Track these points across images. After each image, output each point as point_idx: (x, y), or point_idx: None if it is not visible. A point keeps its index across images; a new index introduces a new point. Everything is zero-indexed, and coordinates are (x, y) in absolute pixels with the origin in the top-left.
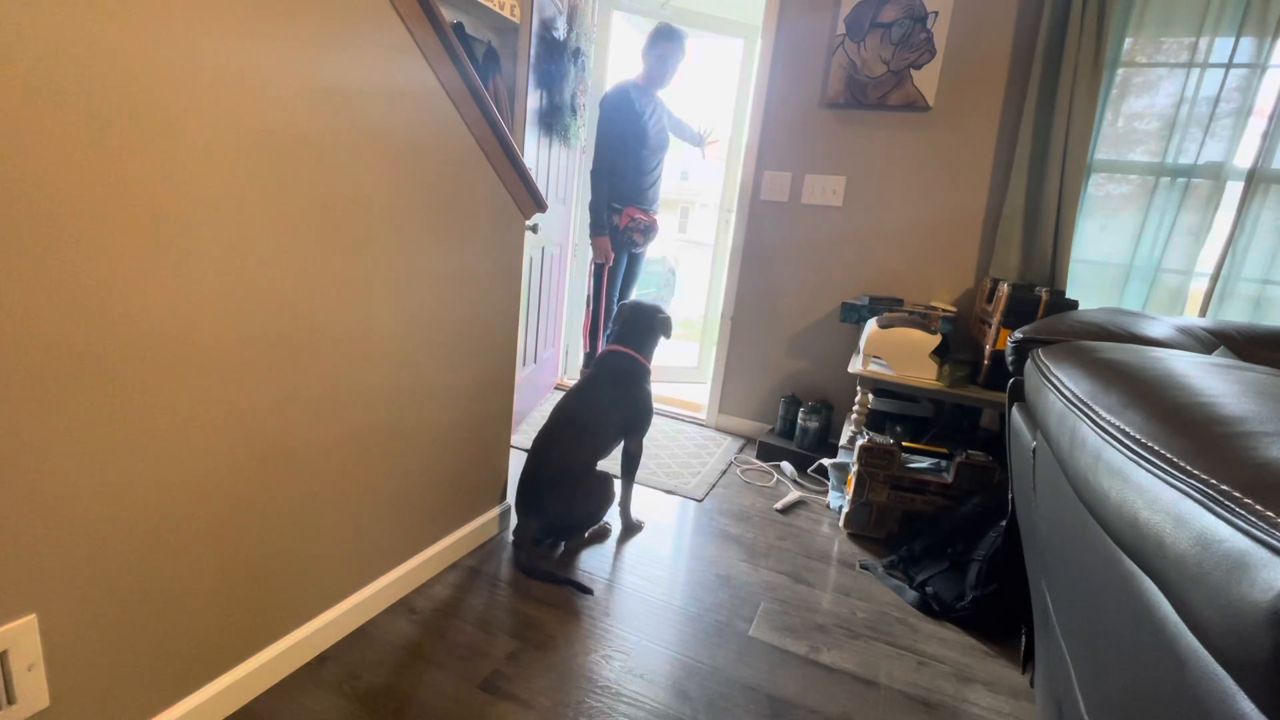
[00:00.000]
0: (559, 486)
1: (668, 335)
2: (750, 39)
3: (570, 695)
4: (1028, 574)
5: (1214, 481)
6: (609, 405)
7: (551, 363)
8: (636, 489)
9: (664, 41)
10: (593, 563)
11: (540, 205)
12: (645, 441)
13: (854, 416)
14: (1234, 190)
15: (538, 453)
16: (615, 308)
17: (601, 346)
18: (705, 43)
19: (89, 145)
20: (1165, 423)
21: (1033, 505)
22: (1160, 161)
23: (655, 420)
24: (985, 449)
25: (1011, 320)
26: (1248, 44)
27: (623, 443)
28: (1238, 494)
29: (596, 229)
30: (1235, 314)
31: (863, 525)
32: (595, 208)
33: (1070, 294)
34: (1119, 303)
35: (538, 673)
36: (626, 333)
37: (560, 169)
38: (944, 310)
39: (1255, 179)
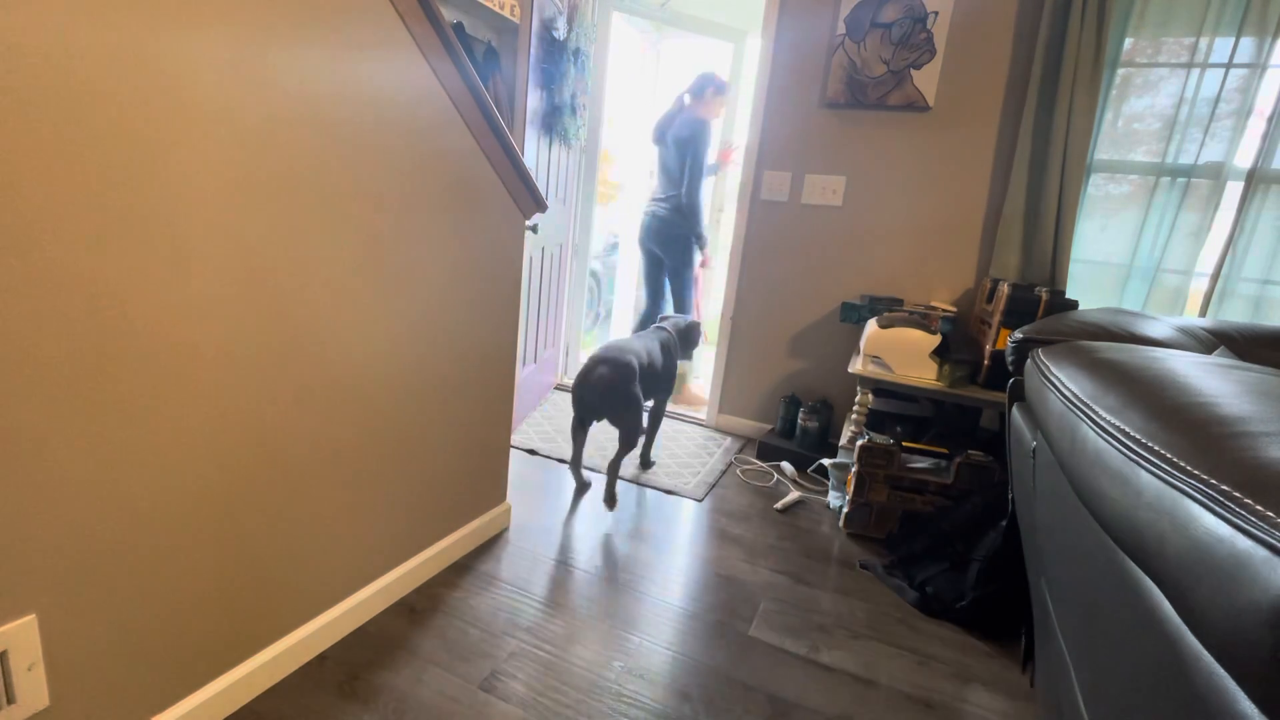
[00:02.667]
0: (613, 390)
1: (697, 345)
2: (739, 44)
3: (570, 695)
4: (1028, 574)
5: (1214, 481)
6: (661, 354)
7: (551, 362)
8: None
9: (724, 94)
10: (593, 562)
11: (540, 205)
12: None
13: (854, 416)
14: (1234, 190)
15: (600, 358)
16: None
17: None
18: (703, 44)
19: (89, 144)
20: (1165, 423)
21: (1033, 505)
22: (1160, 161)
23: None
24: (985, 449)
25: (1011, 320)
26: (1248, 44)
27: (651, 402)
28: (1238, 494)
29: (705, 240)
30: (1235, 314)
31: (863, 525)
32: (700, 220)
33: (1070, 294)
34: (1119, 303)
35: (538, 673)
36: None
37: (560, 169)
38: (944, 310)
39: (1255, 179)
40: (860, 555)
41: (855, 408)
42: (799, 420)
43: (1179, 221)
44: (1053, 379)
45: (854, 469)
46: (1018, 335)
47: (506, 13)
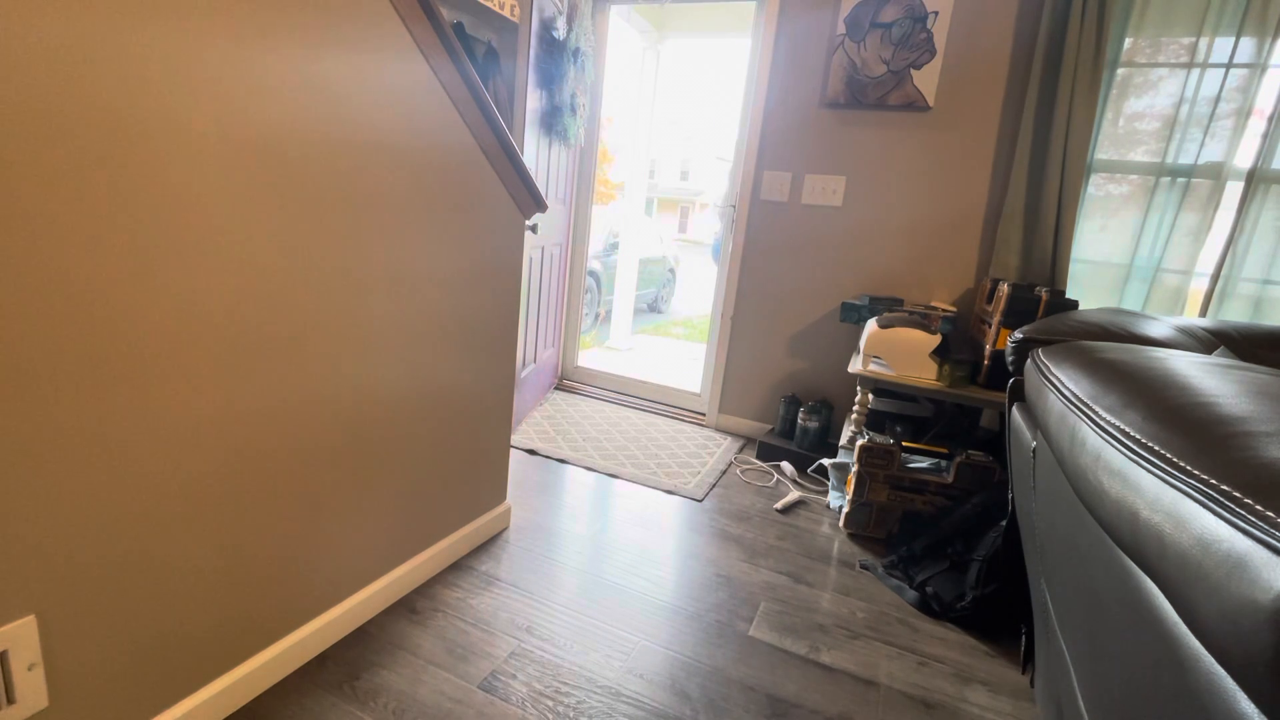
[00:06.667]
0: None
1: None
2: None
3: (570, 695)
4: (1028, 574)
5: (1214, 481)
6: None
7: (551, 362)
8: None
9: None
10: (592, 562)
11: (540, 205)
12: (645, 441)
13: (854, 416)
14: (1234, 190)
15: None
16: None
17: None
18: (704, 44)
19: (85, 144)
20: (1165, 423)
21: (1033, 505)
22: (1160, 161)
23: (655, 420)
24: (985, 449)
25: (1011, 320)
26: (1248, 44)
27: None
28: (1238, 494)
29: None
30: (1235, 314)
31: (863, 525)
32: None
33: (1070, 294)
34: (1119, 303)
35: (538, 673)
36: None
37: (560, 169)
38: (944, 310)
39: (1255, 179)
40: (860, 555)
41: (855, 408)
42: (799, 420)
43: (1179, 221)
44: (1053, 379)
45: (854, 469)
46: (1018, 335)
47: (506, 13)
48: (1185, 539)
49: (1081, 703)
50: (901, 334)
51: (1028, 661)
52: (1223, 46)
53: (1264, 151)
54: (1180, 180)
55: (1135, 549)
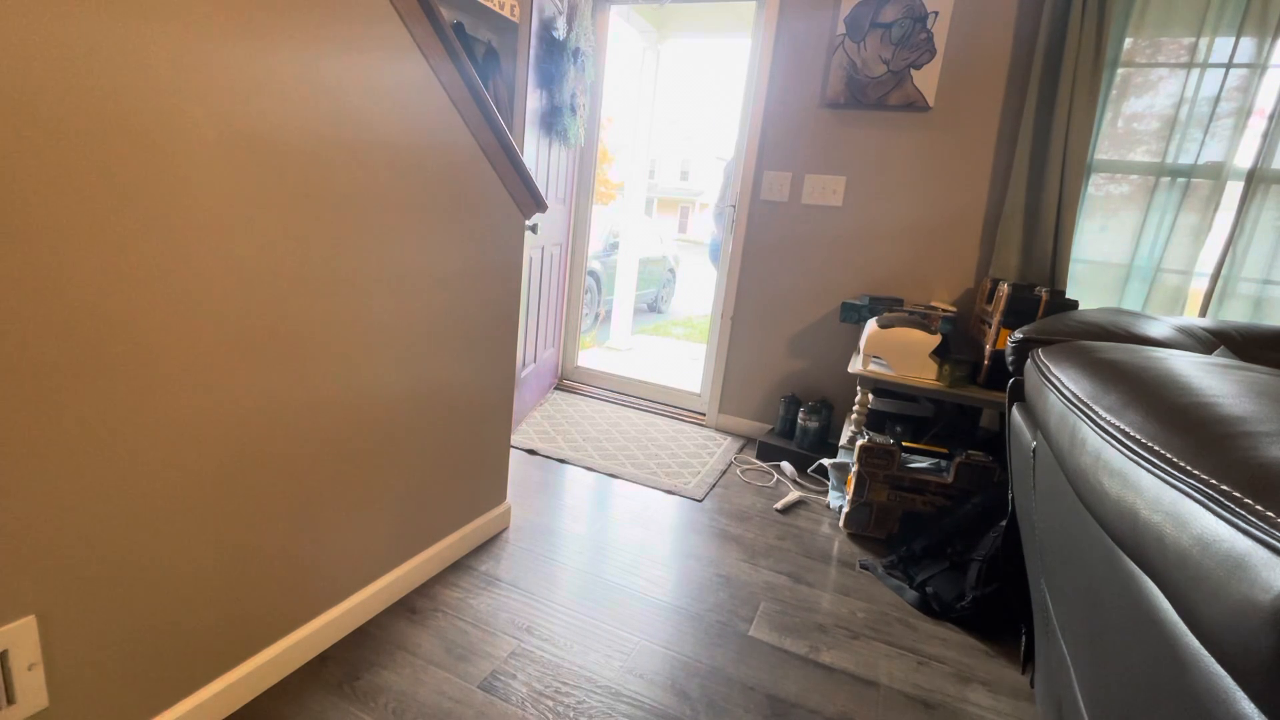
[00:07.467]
0: None
1: None
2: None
3: (570, 695)
4: (1028, 574)
5: (1214, 481)
6: None
7: (551, 362)
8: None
9: None
10: (592, 562)
11: (540, 205)
12: (645, 441)
13: (854, 416)
14: (1234, 190)
15: None
16: None
17: None
18: (704, 44)
19: (85, 142)
20: (1165, 423)
21: (1033, 505)
22: (1160, 161)
23: (655, 420)
24: (985, 449)
25: (1011, 320)
26: (1248, 44)
27: None
28: (1238, 494)
29: None
30: (1235, 314)
31: (863, 525)
32: None
33: (1070, 294)
34: (1119, 303)
35: (538, 673)
36: None
37: (560, 169)
38: (944, 310)
39: (1255, 179)
40: (860, 555)
41: (855, 408)
42: (799, 420)
43: (1179, 221)
44: (1053, 379)
45: (854, 469)
46: (1018, 335)
47: (506, 13)
48: (1185, 539)
49: (1081, 702)
50: (901, 334)
51: (1028, 661)
52: (1223, 46)
53: (1264, 151)
54: (1180, 180)
55: (1135, 549)
